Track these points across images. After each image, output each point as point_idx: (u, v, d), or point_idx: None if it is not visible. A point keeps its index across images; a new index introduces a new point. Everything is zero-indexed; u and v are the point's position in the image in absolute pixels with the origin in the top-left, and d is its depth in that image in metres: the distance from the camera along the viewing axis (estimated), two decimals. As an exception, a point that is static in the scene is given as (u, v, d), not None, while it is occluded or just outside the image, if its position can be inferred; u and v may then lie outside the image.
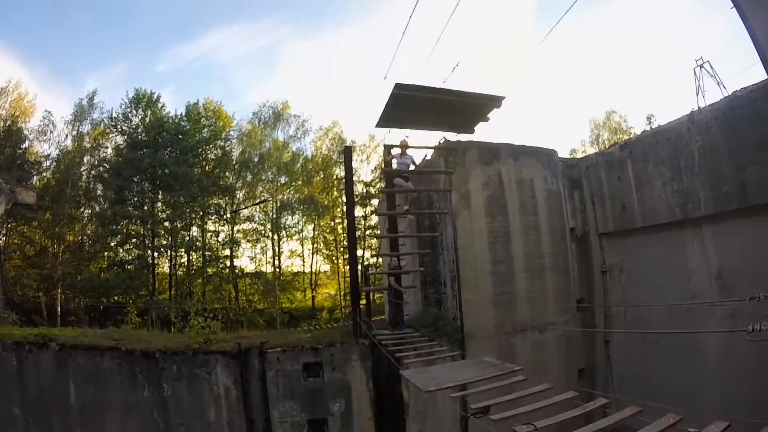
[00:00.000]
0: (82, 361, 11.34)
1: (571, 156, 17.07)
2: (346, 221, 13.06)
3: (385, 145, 11.77)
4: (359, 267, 12.96)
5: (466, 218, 11.60)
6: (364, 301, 12.41)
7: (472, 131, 9.31)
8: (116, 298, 26.93)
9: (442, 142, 11.77)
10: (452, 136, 12.20)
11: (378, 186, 31.29)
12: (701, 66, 12.71)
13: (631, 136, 17.67)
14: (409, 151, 10.88)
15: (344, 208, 32.52)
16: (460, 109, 8.18)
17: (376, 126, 8.87)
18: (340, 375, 10.87)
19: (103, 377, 11.16)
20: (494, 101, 8.36)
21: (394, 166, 10.51)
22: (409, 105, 7.84)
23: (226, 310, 25.22)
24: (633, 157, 12.98)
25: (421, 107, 7.93)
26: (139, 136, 30.40)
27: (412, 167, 10.84)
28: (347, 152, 11.99)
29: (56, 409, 11.48)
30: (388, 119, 8.65)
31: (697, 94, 12.86)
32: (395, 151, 10.25)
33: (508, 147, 12.49)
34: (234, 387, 10.81)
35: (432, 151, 12.12)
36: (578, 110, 62.91)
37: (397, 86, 7.44)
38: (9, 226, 26.82)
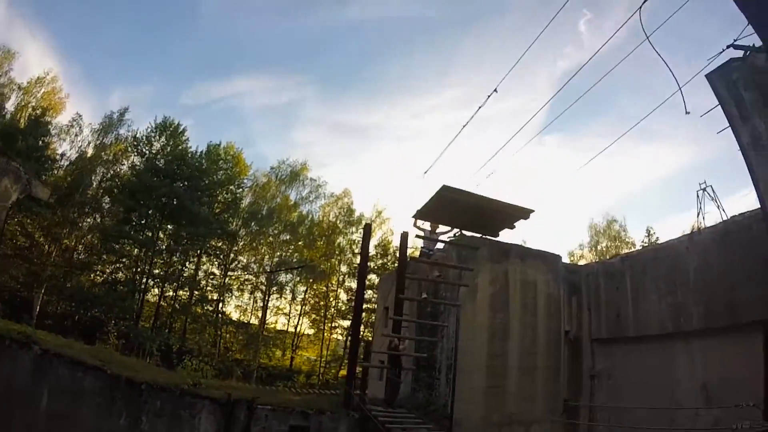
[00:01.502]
0: (62, 372, 10.90)
1: (570, 259, 17.85)
2: (354, 295, 13.39)
3: (403, 233, 12.25)
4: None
5: (470, 311, 11.87)
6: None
7: (496, 235, 9.96)
8: (96, 313, 26.20)
9: (457, 235, 12.48)
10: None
11: (380, 262, 31.82)
12: (704, 189, 13.65)
13: (632, 250, 18.62)
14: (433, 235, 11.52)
15: (345, 281, 32.99)
16: (491, 215, 8.78)
17: (414, 217, 9.41)
18: None
19: (80, 395, 10.75)
20: (524, 213, 8.94)
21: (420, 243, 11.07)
22: (448, 204, 8.44)
23: (212, 355, 25.01)
24: (632, 270, 13.26)
25: (458, 208, 8.49)
26: (158, 162, 30.69)
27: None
28: (366, 230, 12.36)
29: (22, 414, 10.93)
30: (426, 214, 9.26)
31: (698, 216, 13.80)
32: (425, 226, 10.82)
33: (517, 248, 13.03)
34: None
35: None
36: (577, 212, 65.15)
37: (444, 188, 8.03)
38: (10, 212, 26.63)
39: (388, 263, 30.66)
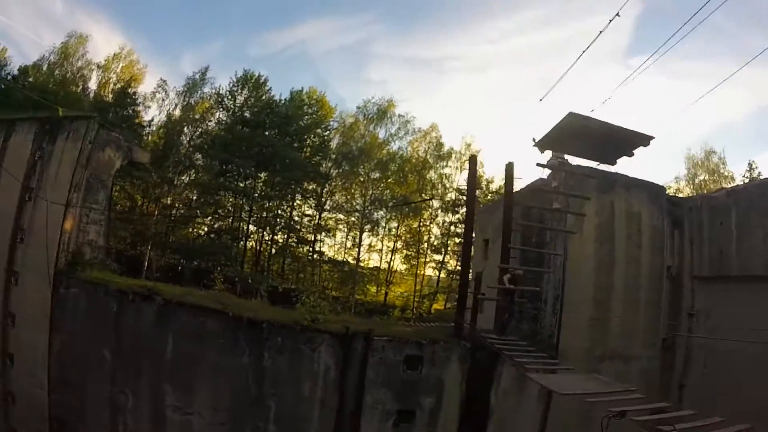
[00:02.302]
0: (186, 318, 11.89)
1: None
2: (464, 228, 13.45)
3: (507, 163, 12.05)
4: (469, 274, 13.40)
5: (576, 242, 11.83)
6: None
7: (614, 163, 9.79)
8: (200, 263, 28.04)
9: (561, 161, 12.30)
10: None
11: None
12: None
13: (737, 184, 17.92)
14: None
15: (437, 215, 33.33)
16: (612, 142, 8.67)
17: (535, 145, 9.37)
18: (437, 372, 11.16)
19: (204, 337, 11.64)
20: (644, 139, 8.79)
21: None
22: (572, 132, 8.35)
23: (325, 293, 26.07)
24: (737, 205, 12.86)
25: (581, 136, 8.41)
26: (246, 114, 31.86)
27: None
28: (472, 162, 12.34)
29: (150, 360, 11.99)
30: (549, 142, 9.20)
31: None
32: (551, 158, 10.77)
33: (622, 178, 12.67)
34: (334, 367, 11.17)
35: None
36: (673, 141, 61.32)
37: (571, 114, 7.94)
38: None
39: (481, 195, 30.49)
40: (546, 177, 12.41)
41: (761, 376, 10.81)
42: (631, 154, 9.32)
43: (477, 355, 11.39)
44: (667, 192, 14.00)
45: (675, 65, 54.03)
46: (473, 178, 12.04)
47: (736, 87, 49.45)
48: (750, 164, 30.32)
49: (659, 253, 13.23)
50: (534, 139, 9.61)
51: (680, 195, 25.12)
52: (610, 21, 7.30)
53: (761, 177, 26.83)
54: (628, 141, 8.61)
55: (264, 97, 32.85)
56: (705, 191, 27.84)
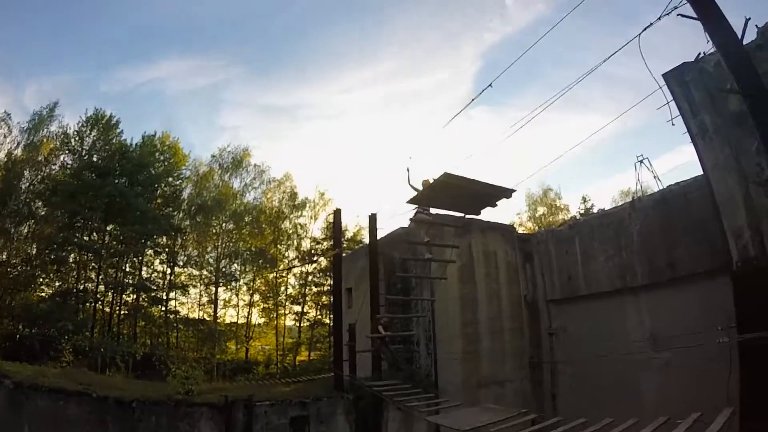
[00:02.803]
0: (43, 403, 10.51)
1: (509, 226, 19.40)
2: (333, 280, 13.99)
3: (371, 214, 13.06)
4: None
5: (442, 285, 12.48)
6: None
7: (479, 213, 10.90)
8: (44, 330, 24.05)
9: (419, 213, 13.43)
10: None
11: (326, 244, 31.72)
12: (641, 161, 15.45)
13: (579, 218, 20.71)
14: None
15: (311, 264, 32.98)
16: (480, 196, 9.64)
17: (409, 202, 9.92)
18: (324, 429, 11.11)
19: (65, 423, 10.37)
20: (507, 193, 9.92)
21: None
22: (443, 189, 9.21)
23: (200, 360, 24.30)
24: (580, 235, 14.67)
25: (450, 192, 9.29)
26: (94, 159, 28.40)
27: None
28: (337, 215, 12.97)
29: None
30: (421, 199, 10.01)
31: (637, 185, 15.69)
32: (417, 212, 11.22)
33: (477, 222, 13.68)
34: None
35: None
36: (513, 181, 68.02)
37: (446, 175, 8.80)
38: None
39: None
40: (408, 227, 13.58)
41: (615, 374, 12.52)
42: (495, 205, 10.44)
43: (361, 404, 11.59)
44: (516, 230, 15.97)
45: (512, 114, 62.21)
46: (338, 231, 12.73)
47: (568, 131, 58.62)
48: (583, 198, 34.26)
49: (516, 284, 14.71)
50: (415, 189, 10.25)
51: (522, 229, 28.47)
52: (483, 90, 8.46)
53: (594, 207, 31.52)
54: (494, 195, 9.61)
55: (114, 141, 29.96)
56: (545, 223, 31.91)
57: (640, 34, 6.36)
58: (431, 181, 9.60)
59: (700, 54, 8.96)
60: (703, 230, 10.74)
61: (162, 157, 31.80)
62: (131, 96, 52.68)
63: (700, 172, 9.91)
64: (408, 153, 24.14)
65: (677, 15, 6.05)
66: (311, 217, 34.37)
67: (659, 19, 6.24)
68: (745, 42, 6.65)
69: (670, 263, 12.15)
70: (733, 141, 8.89)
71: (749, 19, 6.18)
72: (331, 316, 29.68)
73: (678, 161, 54.18)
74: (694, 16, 5.89)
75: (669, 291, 12.24)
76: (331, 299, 28.65)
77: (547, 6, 57.10)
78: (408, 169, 10.25)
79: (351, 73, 64.75)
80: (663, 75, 9.42)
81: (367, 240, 15.56)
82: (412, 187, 10.24)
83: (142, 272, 29.88)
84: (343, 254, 13.97)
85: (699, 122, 9.45)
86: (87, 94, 54.25)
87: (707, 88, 9.27)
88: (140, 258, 29.80)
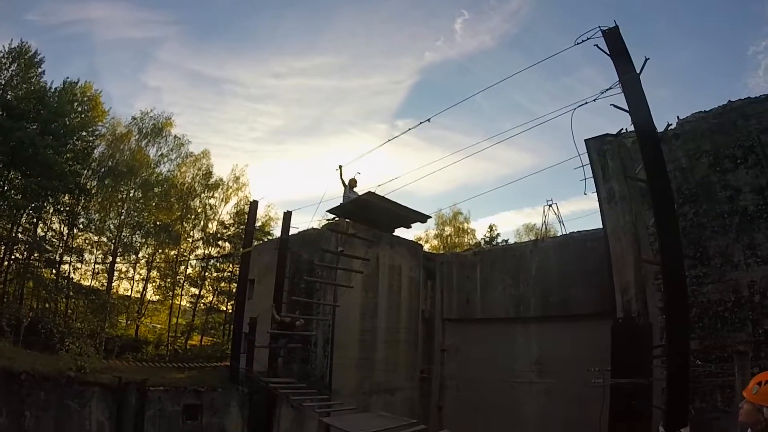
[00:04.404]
0: None
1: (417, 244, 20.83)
2: (239, 273, 14.51)
3: (286, 212, 13.86)
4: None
5: (346, 290, 13.16)
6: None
7: (393, 231, 12.01)
8: None
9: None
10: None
11: (233, 230, 31.58)
12: (549, 205, 17.30)
13: (484, 247, 22.80)
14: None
15: (198, 247, 32.55)
16: (397, 217, 10.74)
17: (330, 212, 10.74)
18: (218, 420, 11.52)
19: None
20: (422, 217, 10.65)
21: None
22: (363, 206, 10.23)
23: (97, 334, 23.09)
24: (483, 263, 15.98)
25: (370, 209, 10.09)
26: (8, 97, 24.94)
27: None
28: (253, 207, 13.51)
29: None
30: (343, 212, 10.96)
31: (542, 227, 17.64)
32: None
33: (388, 236, 14.70)
34: (108, 423, 10.51)
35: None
36: (422, 198, 70.70)
37: (369, 194, 9.35)
38: None
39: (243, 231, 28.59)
40: (321, 230, 14.66)
41: (500, 394, 13.98)
42: (409, 227, 11.59)
43: (255, 398, 12.07)
44: (423, 248, 17.60)
45: (435, 132, 65.95)
46: (252, 224, 13.36)
47: (485, 159, 63.03)
48: (491, 227, 37.05)
49: (416, 299, 15.83)
50: (344, 184, 11.13)
51: (427, 246, 30.04)
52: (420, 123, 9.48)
53: (499, 236, 34.71)
54: (411, 218, 10.79)
55: (34, 80, 26.70)
56: (450, 243, 34.02)
57: (574, 110, 7.36)
58: (357, 180, 10.74)
59: (622, 129, 9.83)
60: (596, 276, 11.97)
61: (80, 108, 28.64)
62: (59, 32, 48.57)
63: (601, 224, 11.15)
64: (329, 150, 24.66)
65: (610, 105, 7.01)
66: (222, 200, 33.41)
67: (594, 100, 7.26)
68: (661, 128, 7.89)
69: (562, 301, 13.69)
70: (634, 210, 10.13)
71: (648, 59, 6.98)
72: (230, 303, 29.47)
73: (585, 207, 59.77)
74: (625, 108, 6.93)
75: (558, 325, 13.78)
76: (232, 288, 28.64)
77: (493, 38, 60.70)
78: (340, 167, 10.87)
79: (287, 58, 64.27)
80: (585, 140, 10.67)
81: (276, 232, 16.08)
82: (343, 183, 10.88)
83: (38, 230, 26.96)
84: (258, 244, 14.50)
85: (608, 188, 10.68)
86: (8, 19, 49.00)
87: (622, 160, 10.49)
88: (39, 214, 26.70)
